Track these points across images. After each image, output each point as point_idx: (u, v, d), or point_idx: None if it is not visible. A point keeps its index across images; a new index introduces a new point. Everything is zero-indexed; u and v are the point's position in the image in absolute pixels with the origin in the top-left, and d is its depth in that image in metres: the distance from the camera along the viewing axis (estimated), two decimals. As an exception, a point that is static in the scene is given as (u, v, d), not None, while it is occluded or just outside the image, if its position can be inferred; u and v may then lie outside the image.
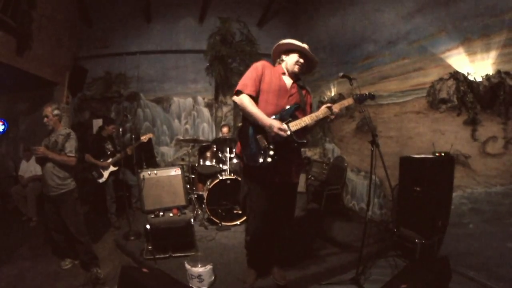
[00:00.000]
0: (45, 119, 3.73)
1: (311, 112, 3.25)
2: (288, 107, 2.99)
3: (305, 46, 3.10)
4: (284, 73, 3.16)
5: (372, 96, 3.20)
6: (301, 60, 3.13)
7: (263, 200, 3.06)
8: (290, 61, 3.14)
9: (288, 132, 2.79)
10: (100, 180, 5.31)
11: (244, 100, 2.90)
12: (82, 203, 6.77)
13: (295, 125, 2.87)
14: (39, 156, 3.63)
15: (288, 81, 3.14)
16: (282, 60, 3.22)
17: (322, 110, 2.98)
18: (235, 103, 3.03)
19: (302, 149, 3.55)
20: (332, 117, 3.00)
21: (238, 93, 2.97)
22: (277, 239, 3.39)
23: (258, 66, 3.07)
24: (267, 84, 3.01)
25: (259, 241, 3.28)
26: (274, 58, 3.31)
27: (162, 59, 7.73)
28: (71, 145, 3.74)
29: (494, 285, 3.39)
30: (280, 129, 2.74)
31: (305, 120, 2.91)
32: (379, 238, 4.43)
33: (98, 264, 3.79)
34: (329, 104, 3.00)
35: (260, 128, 2.85)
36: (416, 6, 4.50)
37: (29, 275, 3.76)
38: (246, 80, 3.00)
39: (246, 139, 2.96)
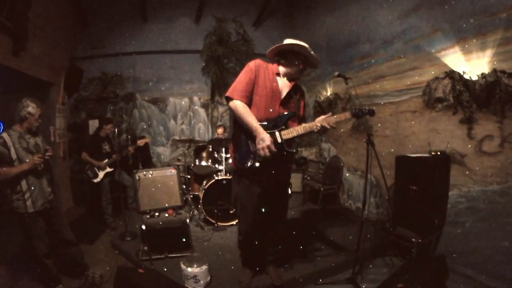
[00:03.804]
0: (40, 121, 3.35)
1: (304, 114, 3.25)
2: (283, 114, 2.97)
3: (312, 52, 3.01)
4: (278, 74, 3.09)
5: (372, 112, 3.10)
6: (303, 66, 3.09)
7: (254, 199, 3.04)
8: (294, 66, 3.06)
9: (268, 153, 2.72)
10: (95, 180, 5.30)
11: (239, 107, 2.85)
12: (78, 205, 6.82)
13: (287, 133, 2.87)
14: (42, 162, 3.20)
15: (282, 82, 3.07)
16: (283, 61, 3.10)
17: (317, 123, 2.91)
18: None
19: (298, 150, 3.52)
20: (327, 127, 2.91)
21: (229, 98, 2.92)
22: (270, 239, 3.39)
23: (252, 68, 2.98)
24: (260, 88, 2.95)
25: (251, 241, 3.28)
26: (272, 55, 3.19)
27: (158, 59, 7.68)
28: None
29: (491, 283, 3.40)
30: (268, 147, 2.68)
31: (298, 130, 2.89)
32: (375, 237, 4.43)
33: (88, 266, 3.75)
34: (324, 116, 2.93)
35: (251, 132, 2.84)
36: (411, 6, 4.49)
37: (26, 276, 3.73)
38: (238, 85, 2.93)
39: (238, 142, 2.97)
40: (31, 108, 3.23)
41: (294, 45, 3.01)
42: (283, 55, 3.11)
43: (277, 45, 3.07)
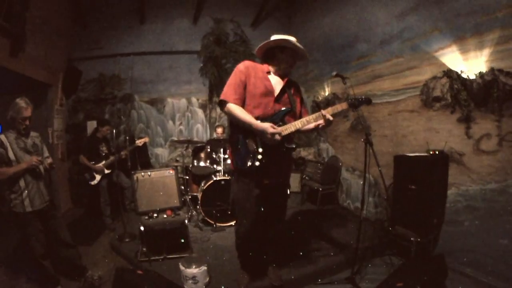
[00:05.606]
0: (27, 122, 3.24)
1: (301, 109, 3.22)
2: (280, 110, 2.95)
3: (298, 44, 2.97)
4: (269, 72, 3.07)
5: (368, 101, 3.07)
6: (292, 60, 3.06)
7: (252, 202, 3.01)
8: (282, 60, 3.04)
9: (279, 137, 2.75)
10: (92, 182, 5.29)
11: (233, 109, 2.85)
12: (76, 206, 6.80)
13: (285, 129, 2.84)
14: (40, 164, 3.20)
15: (274, 80, 3.04)
16: (272, 58, 3.09)
17: (314, 115, 2.90)
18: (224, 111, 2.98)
19: (297, 150, 3.52)
20: (323, 121, 2.89)
21: (223, 102, 2.92)
22: (268, 241, 3.37)
23: (242, 69, 2.97)
24: (252, 87, 2.93)
25: (249, 244, 3.26)
26: (261, 55, 3.19)
27: (156, 60, 7.68)
28: (46, 149, 3.56)
29: (490, 282, 3.40)
30: (273, 134, 2.71)
31: (296, 125, 2.86)
32: (374, 237, 4.42)
33: (86, 268, 3.74)
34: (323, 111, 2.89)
35: (249, 132, 2.83)
36: (409, 5, 4.49)
37: (24, 278, 3.71)
38: (229, 89, 2.92)
39: (235, 143, 2.95)
40: (12, 111, 3.19)
41: (278, 40, 3.00)
42: (271, 52, 3.10)
43: (263, 43, 3.07)
